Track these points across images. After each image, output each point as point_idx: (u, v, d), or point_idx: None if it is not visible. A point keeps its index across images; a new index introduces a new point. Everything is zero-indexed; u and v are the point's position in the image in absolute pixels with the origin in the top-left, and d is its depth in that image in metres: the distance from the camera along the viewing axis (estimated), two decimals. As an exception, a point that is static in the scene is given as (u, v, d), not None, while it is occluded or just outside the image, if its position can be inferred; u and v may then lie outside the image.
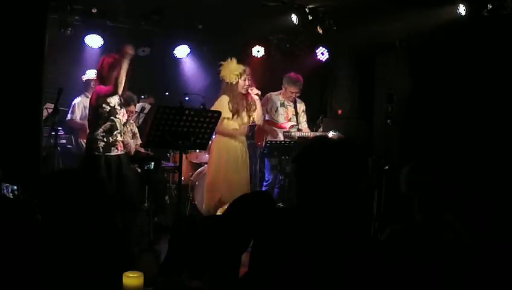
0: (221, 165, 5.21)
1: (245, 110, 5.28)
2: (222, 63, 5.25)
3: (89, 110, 4.73)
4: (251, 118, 5.37)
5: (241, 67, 5.21)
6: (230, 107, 5.19)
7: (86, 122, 4.92)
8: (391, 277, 1.58)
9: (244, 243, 3.06)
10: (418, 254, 1.92)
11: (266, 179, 6.10)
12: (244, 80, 5.19)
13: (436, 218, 2.04)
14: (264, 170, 6.24)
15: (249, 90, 5.24)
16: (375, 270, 1.55)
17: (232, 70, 5.18)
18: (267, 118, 6.13)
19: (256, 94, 5.28)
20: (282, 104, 6.08)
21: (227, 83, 5.20)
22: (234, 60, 5.24)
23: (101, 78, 4.57)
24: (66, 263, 1.96)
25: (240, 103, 5.23)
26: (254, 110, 5.34)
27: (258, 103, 5.33)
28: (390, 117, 5.40)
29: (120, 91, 4.51)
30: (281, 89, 6.13)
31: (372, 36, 6.49)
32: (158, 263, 1.99)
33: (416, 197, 2.12)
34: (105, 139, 4.49)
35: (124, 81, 4.44)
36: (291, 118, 6.10)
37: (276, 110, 6.07)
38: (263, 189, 6.01)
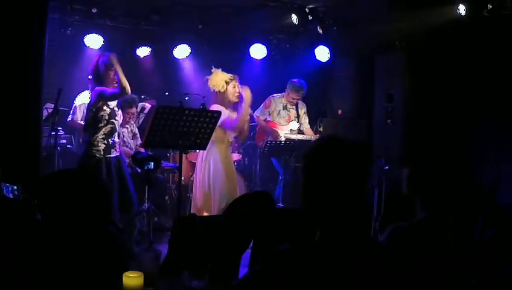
0: (216, 171, 4.82)
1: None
2: (208, 77, 4.91)
3: (87, 112, 4.62)
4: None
5: (228, 76, 4.88)
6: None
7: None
8: (393, 278, 1.58)
9: (244, 243, 3.06)
10: (419, 253, 1.91)
11: (281, 174, 6.09)
12: (234, 87, 4.84)
13: (439, 217, 2.03)
14: (264, 170, 6.27)
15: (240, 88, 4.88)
16: (377, 272, 1.55)
17: (220, 78, 4.86)
18: (268, 119, 6.18)
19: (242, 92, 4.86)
20: (285, 107, 6.17)
21: (217, 92, 4.83)
22: (220, 70, 4.91)
23: (98, 78, 4.47)
24: (66, 263, 1.96)
25: (232, 112, 4.87)
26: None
27: (247, 124, 4.98)
28: (390, 117, 5.39)
29: (129, 92, 4.43)
30: (283, 92, 6.19)
31: (372, 36, 6.49)
32: (158, 263, 1.99)
33: (418, 197, 2.12)
34: (105, 142, 4.47)
35: (126, 81, 4.39)
36: (293, 120, 6.15)
37: (279, 113, 6.14)
38: (280, 185, 6.03)
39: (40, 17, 4.37)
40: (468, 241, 2.07)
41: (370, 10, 5.96)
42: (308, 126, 6.22)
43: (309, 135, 6.08)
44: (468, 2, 5.48)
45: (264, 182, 6.52)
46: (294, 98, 6.09)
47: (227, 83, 4.86)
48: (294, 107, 6.18)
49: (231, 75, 4.91)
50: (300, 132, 6.11)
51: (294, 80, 6.11)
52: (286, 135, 6.02)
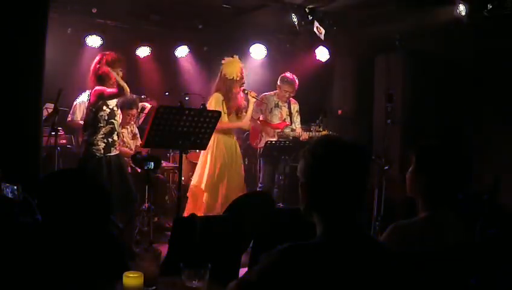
0: (218, 162, 5.15)
1: (235, 110, 5.27)
2: (224, 61, 5.26)
3: (87, 111, 4.64)
4: (240, 120, 5.34)
5: (242, 66, 5.28)
6: (225, 105, 5.16)
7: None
8: (394, 278, 1.58)
9: (244, 243, 3.07)
10: (419, 251, 1.91)
11: (260, 181, 6.07)
12: (242, 78, 5.22)
13: (440, 217, 2.03)
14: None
15: (245, 92, 5.26)
16: (378, 271, 1.55)
17: (237, 66, 5.21)
18: (261, 118, 6.15)
19: (254, 97, 5.29)
20: (277, 105, 6.10)
21: (228, 79, 5.16)
22: (237, 57, 5.28)
23: (99, 78, 4.46)
24: (66, 263, 1.96)
25: (234, 101, 5.24)
26: (243, 112, 5.33)
27: (251, 107, 5.33)
28: (390, 117, 5.39)
29: (128, 91, 4.43)
30: (276, 90, 6.15)
31: (372, 36, 6.48)
32: (158, 263, 1.99)
33: (420, 196, 2.11)
34: (105, 141, 4.48)
35: (123, 82, 4.38)
36: (286, 118, 6.11)
37: (271, 111, 6.08)
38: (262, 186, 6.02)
39: (40, 17, 4.37)
40: (468, 241, 2.07)
41: (370, 10, 5.96)
42: (299, 125, 6.17)
43: (299, 132, 6.08)
44: (468, 2, 5.48)
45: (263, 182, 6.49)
46: (286, 91, 6.01)
47: (241, 72, 5.19)
48: (286, 105, 6.11)
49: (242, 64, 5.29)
50: (292, 130, 6.09)
51: (286, 74, 6.10)
52: (279, 134, 6.02)
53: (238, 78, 5.17)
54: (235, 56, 5.29)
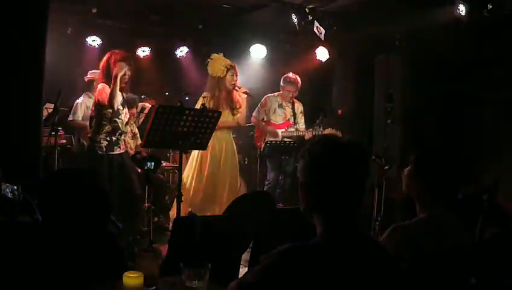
0: (204, 162, 5.17)
1: (229, 108, 5.24)
2: (209, 59, 5.23)
3: (92, 107, 4.67)
4: (235, 117, 5.30)
5: (228, 62, 5.20)
6: (210, 104, 5.11)
7: (88, 121, 4.88)
8: (394, 278, 1.58)
9: (244, 243, 3.07)
10: (419, 252, 1.92)
11: (267, 178, 6.11)
12: (232, 76, 5.16)
13: (439, 216, 2.04)
14: (265, 170, 6.26)
15: (236, 88, 5.20)
16: (378, 271, 1.55)
17: (220, 63, 5.16)
18: (265, 119, 6.16)
19: (245, 92, 5.22)
20: (280, 105, 6.11)
21: (214, 77, 5.16)
22: (221, 55, 5.24)
23: (108, 76, 4.47)
24: (66, 263, 1.96)
25: (226, 99, 5.20)
26: (238, 109, 5.29)
27: (244, 103, 5.30)
28: (390, 117, 5.39)
29: (115, 107, 4.43)
30: (280, 90, 6.17)
31: (372, 36, 6.48)
32: (158, 263, 1.99)
33: (418, 197, 2.12)
34: (108, 139, 4.50)
35: (118, 95, 4.40)
36: (289, 119, 6.12)
37: (275, 111, 6.10)
38: (265, 189, 6.02)
39: (40, 17, 4.37)
40: (468, 241, 2.07)
41: (370, 10, 5.96)
42: (304, 126, 6.19)
43: (303, 131, 6.09)
44: (468, 2, 5.48)
45: (264, 182, 6.51)
46: (289, 90, 6.04)
47: (227, 69, 5.12)
48: (290, 105, 6.14)
49: (231, 63, 5.20)
50: (296, 130, 6.10)
51: (289, 74, 6.12)
52: (283, 134, 6.03)
53: (223, 76, 5.13)
54: (219, 54, 5.24)
